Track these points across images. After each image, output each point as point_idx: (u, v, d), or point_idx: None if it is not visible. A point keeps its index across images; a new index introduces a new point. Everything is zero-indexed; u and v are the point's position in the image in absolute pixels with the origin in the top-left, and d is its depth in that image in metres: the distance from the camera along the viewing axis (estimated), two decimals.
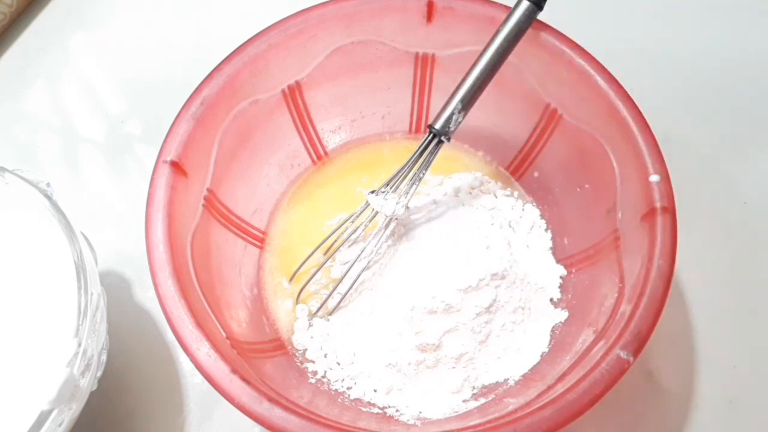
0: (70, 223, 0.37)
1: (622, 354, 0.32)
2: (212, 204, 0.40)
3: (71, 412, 0.34)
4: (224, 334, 0.35)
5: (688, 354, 0.44)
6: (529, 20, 0.38)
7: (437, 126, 0.39)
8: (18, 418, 0.33)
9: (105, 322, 0.38)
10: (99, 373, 0.37)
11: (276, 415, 0.31)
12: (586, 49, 0.39)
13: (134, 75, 0.56)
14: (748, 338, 0.44)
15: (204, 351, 0.32)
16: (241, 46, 0.40)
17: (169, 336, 0.45)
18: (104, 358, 0.38)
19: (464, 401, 0.40)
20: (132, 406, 0.43)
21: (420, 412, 0.39)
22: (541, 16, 0.38)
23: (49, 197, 0.37)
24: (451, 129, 0.39)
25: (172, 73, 0.54)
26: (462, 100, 0.38)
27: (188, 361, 0.43)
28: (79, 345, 0.33)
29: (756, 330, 0.45)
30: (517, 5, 0.38)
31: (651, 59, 0.55)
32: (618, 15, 0.58)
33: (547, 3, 0.38)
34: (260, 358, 0.38)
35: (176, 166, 0.36)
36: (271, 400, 0.31)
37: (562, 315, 0.41)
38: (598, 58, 0.39)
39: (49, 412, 0.32)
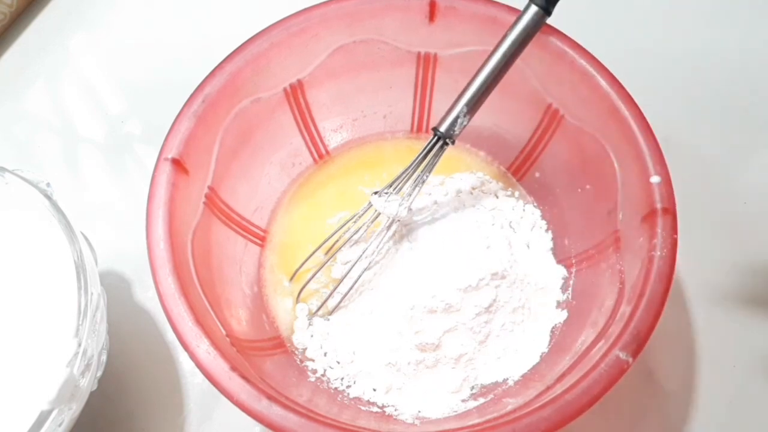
0: (70, 223, 0.37)
1: (622, 355, 0.32)
2: (213, 202, 0.40)
3: (71, 412, 0.34)
4: (224, 332, 0.34)
5: (688, 354, 0.44)
6: (537, 26, 0.37)
7: (442, 129, 0.39)
8: (18, 418, 0.33)
9: (105, 322, 0.38)
10: (99, 373, 0.37)
11: (275, 413, 0.31)
12: (587, 49, 0.39)
13: (134, 75, 0.56)
14: (748, 338, 0.45)
15: (203, 348, 0.32)
16: (243, 44, 0.40)
17: (169, 336, 0.45)
18: (104, 358, 0.38)
19: (463, 401, 0.39)
20: (132, 406, 0.43)
21: (419, 412, 0.39)
22: None
23: (49, 197, 0.37)
24: (456, 132, 0.39)
25: (172, 73, 0.54)
26: (468, 104, 0.38)
27: (188, 361, 0.44)
28: (79, 345, 0.33)
29: (756, 330, 0.45)
30: (525, 10, 0.37)
31: (652, 60, 0.55)
32: (619, 16, 0.58)
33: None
34: (260, 356, 0.38)
35: (177, 164, 0.36)
36: (270, 398, 0.31)
37: (561, 315, 0.41)
38: (599, 59, 0.39)
39: (49, 412, 0.32)
